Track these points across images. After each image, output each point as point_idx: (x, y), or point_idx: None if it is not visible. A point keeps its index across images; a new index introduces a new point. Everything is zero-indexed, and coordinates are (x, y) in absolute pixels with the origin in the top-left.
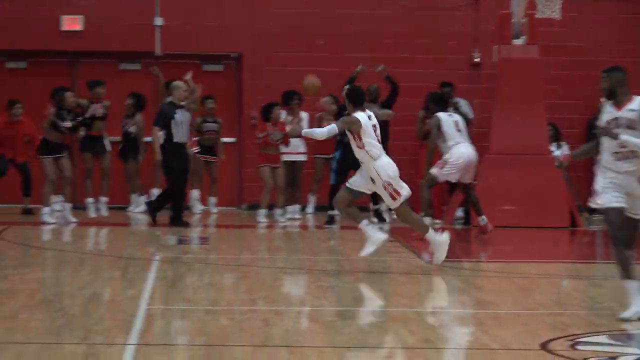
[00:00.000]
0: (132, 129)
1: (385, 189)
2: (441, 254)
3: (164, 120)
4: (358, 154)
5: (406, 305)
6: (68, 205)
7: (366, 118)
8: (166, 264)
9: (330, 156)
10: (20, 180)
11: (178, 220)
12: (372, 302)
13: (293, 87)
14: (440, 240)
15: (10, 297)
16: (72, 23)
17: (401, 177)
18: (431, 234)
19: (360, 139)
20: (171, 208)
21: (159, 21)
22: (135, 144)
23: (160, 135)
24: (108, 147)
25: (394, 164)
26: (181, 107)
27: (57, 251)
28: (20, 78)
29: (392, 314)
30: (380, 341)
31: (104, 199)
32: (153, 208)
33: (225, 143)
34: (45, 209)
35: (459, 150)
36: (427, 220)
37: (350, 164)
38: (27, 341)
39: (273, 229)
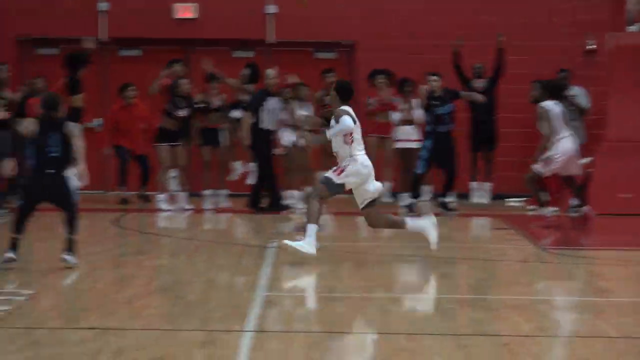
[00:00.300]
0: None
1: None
2: (433, 236)
3: (255, 107)
4: (341, 148)
5: (522, 293)
6: (184, 194)
7: (354, 115)
8: (282, 250)
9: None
10: (138, 171)
11: (277, 204)
12: (488, 289)
13: (405, 75)
14: (424, 224)
15: (128, 283)
16: (185, 11)
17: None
18: (413, 223)
19: (350, 134)
20: (269, 194)
21: (271, 9)
22: None
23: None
24: (223, 139)
25: (369, 164)
26: (274, 94)
27: (173, 238)
28: (135, 65)
29: (508, 301)
30: (497, 328)
31: (223, 191)
32: (252, 201)
33: None
34: (161, 196)
35: (565, 146)
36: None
37: (437, 154)
38: (146, 327)
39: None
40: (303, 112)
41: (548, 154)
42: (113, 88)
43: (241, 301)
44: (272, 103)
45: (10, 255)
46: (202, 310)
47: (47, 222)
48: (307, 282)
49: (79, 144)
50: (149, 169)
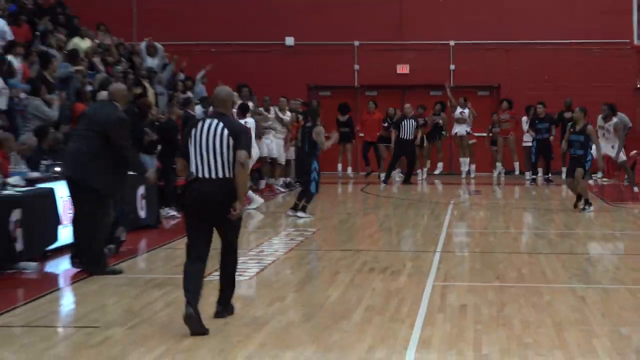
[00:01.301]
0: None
1: None
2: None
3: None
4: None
5: None
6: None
7: None
8: (459, 204)
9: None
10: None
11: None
12: None
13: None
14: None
15: (368, 225)
16: (403, 68)
17: None
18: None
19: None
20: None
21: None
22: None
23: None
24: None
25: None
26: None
27: (394, 199)
28: (376, 100)
29: None
30: None
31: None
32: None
33: None
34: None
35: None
36: None
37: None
38: (377, 249)
39: None
40: None
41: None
42: (360, 114)
43: (433, 235)
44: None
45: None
46: (411, 239)
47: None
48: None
49: None
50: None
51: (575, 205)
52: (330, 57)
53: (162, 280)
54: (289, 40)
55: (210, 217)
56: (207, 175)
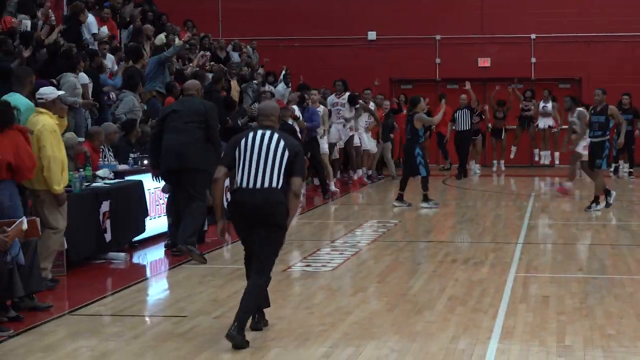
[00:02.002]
0: None
1: None
2: None
3: None
4: None
5: None
6: (477, 165)
7: None
8: (540, 196)
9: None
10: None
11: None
12: None
13: None
14: None
15: (448, 216)
16: (484, 62)
17: None
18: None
19: None
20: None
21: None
22: None
23: None
24: None
25: None
26: None
27: (476, 191)
28: (454, 94)
29: None
30: None
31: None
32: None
33: None
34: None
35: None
36: None
37: None
38: (460, 241)
39: None
40: None
41: None
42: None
43: (515, 227)
44: None
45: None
46: (493, 230)
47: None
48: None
49: None
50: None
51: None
52: (412, 51)
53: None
54: (372, 35)
55: (254, 225)
56: (251, 185)
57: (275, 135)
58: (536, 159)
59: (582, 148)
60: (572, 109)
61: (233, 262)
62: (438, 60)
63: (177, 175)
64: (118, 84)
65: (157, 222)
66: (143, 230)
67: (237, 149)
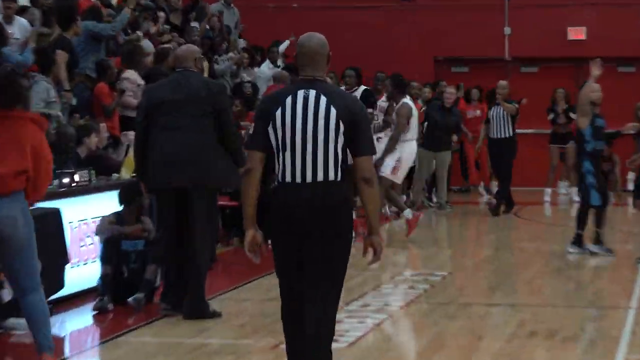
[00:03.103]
0: None
1: None
2: None
3: None
4: None
5: None
6: (574, 189)
7: None
8: None
9: None
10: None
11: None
12: None
13: None
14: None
15: (527, 266)
16: (576, 33)
17: None
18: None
19: None
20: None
21: None
22: None
23: None
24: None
25: None
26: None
27: (564, 227)
28: (531, 81)
29: None
30: None
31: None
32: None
33: None
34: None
35: None
36: None
37: None
38: (543, 303)
39: None
40: None
41: None
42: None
43: (624, 282)
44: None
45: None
46: (592, 289)
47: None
48: None
49: None
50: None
51: None
52: (467, 17)
53: (217, 347)
54: None
55: (304, 240)
56: (298, 178)
57: (323, 99)
58: None
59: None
60: (396, 97)
61: (196, 333)
62: (507, 31)
63: (177, 196)
64: (30, 60)
65: (82, 272)
66: (61, 285)
67: (272, 123)
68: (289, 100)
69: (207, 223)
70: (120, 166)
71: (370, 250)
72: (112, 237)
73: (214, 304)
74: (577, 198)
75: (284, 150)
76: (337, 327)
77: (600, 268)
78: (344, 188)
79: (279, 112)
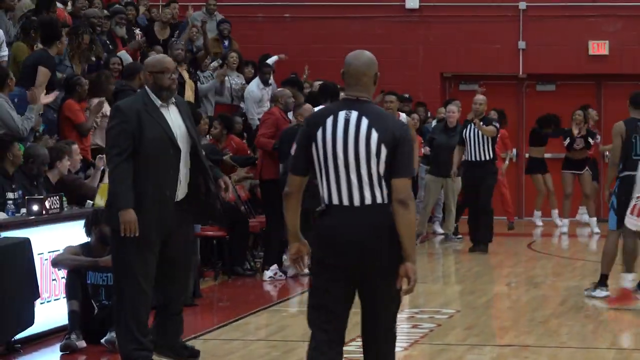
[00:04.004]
0: None
1: None
2: None
3: None
4: None
5: None
6: (593, 219)
7: None
8: None
9: None
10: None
11: None
12: None
13: None
14: None
15: (542, 303)
16: (598, 48)
17: None
18: None
19: None
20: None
21: None
22: None
23: None
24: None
25: None
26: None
27: (583, 261)
28: (547, 100)
29: None
30: None
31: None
32: None
33: None
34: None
35: None
36: None
37: None
38: (560, 345)
39: None
40: None
41: None
42: (528, 120)
43: None
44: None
45: None
46: (613, 328)
47: None
48: None
49: None
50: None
51: None
52: (477, 27)
53: None
54: (412, 2)
55: (354, 271)
56: (346, 201)
57: (364, 121)
58: None
59: None
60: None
61: None
62: (522, 45)
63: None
64: None
65: (53, 308)
66: (31, 322)
67: (314, 144)
68: (329, 121)
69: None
70: (95, 193)
71: (405, 280)
72: (75, 269)
73: (198, 345)
74: (597, 229)
75: (327, 173)
76: None
77: (622, 306)
78: (390, 211)
79: (319, 133)
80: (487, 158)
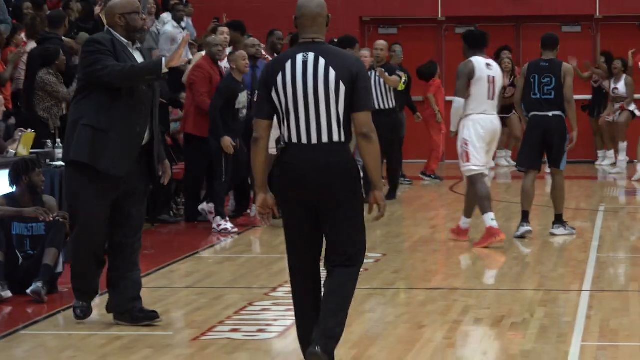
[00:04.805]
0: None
1: None
2: None
3: None
4: None
5: None
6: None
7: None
8: (611, 214)
9: None
10: None
11: None
12: None
13: None
14: None
15: (467, 246)
16: None
17: None
18: None
19: None
20: None
21: None
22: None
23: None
24: None
25: None
26: None
27: (506, 203)
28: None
29: None
30: None
31: None
32: None
33: None
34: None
35: None
36: None
37: None
38: (488, 287)
39: None
40: None
41: None
42: (448, 65)
43: (576, 262)
44: None
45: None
46: (540, 269)
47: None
48: (638, 243)
49: None
50: None
51: None
52: None
53: (131, 340)
54: None
55: (315, 203)
56: (305, 139)
57: (322, 61)
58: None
59: None
60: None
61: (106, 326)
62: None
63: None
64: None
65: None
66: None
67: (275, 89)
68: (288, 64)
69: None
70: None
71: (375, 207)
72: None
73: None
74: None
75: (288, 114)
76: (264, 316)
77: (548, 248)
78: (348, 149)
79: (279, 78)
80: (387, 107)
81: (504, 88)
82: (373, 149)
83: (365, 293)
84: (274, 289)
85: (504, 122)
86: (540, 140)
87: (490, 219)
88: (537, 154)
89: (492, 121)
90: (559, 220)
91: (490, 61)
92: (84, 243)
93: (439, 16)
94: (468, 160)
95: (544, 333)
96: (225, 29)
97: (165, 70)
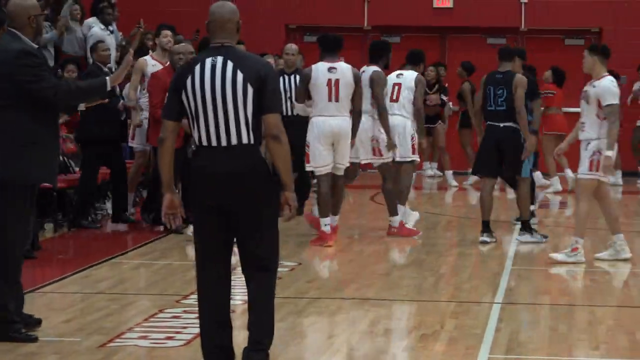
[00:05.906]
0: None
1: None
2: None
3: None
4: None
5: None
6: (449, 172)
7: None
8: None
9: None
10: None
11: None
12: None
13: None
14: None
15: (384, 256)
16: (443, 1)
17: None
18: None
19: None
20: None
21: None
22: None
23: None
24: None
25: None
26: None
27: (426, 214)
28: (394, 52)
29: None
30: None
31: None
32: None
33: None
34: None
35: None
36: None
37: None
38: (400, 298)
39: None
40: None
41: None
42: None
43: (491, 273)
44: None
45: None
46: (455, 282)
47: None
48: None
49: None
50: None
51: None
52: None
53: (37, 346)
54: None
55: (228, 207)
56: (215, 142)
57: (230, 64)
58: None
59: None
60: None
61: None
62: None
63: None
64: None
65: None
66: None
67: (184, 92)
68: (197, 68)
69: None
70: None
71: (286, 207)
72: None
73: (36, 299)
74: (454, 182)
75: (198, 117)
76: (173, 323)
77: (464, 259)
78: (259, 151)
79: (189, 81)
80: (292, 114)
81: (425, 96)
82: (283, 151)
83: (277, 302)
84: (186, 296)
85: (429, 131)
86: (494, 149)
87: (324, 224)
88: (493, 162)
89: (329, 123)
90: (525, 227)
91: (338, 64)
92: None
93: (365, 25)
94: (308, 162)
95: (453, 345)
96: (169, 32)
97: (109, 89)
